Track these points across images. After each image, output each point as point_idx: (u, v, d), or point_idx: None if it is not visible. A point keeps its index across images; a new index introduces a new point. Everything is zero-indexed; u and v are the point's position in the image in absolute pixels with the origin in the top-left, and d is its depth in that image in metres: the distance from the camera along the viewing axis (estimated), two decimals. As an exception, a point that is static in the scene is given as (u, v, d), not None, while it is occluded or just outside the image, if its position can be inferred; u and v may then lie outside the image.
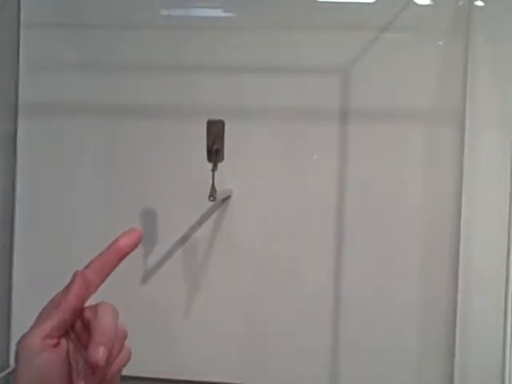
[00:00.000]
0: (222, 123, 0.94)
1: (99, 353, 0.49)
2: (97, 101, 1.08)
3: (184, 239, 1.08)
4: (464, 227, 0.96)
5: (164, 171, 1.07)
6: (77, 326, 0.54)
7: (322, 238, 1.04)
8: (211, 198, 0.90)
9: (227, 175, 0.98)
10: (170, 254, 1.08)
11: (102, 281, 0.56)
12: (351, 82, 1.01)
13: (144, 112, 1.07)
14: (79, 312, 0.54)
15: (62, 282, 0.58)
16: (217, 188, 0.91)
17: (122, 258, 0.57)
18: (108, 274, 0.57)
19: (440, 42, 0.96)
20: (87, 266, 0.56)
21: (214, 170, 0.91)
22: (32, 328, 0.53)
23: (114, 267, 0.57)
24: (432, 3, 0.98)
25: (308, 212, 1.05)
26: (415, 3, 0.97)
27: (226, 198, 1.04)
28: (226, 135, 0.93)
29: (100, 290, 0.59)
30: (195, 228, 1.07)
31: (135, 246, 0.58)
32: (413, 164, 1.01)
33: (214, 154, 0.92)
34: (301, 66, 1.03)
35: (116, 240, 0.57)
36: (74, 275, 0.55)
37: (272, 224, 1.05)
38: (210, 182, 0.91)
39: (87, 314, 0.54)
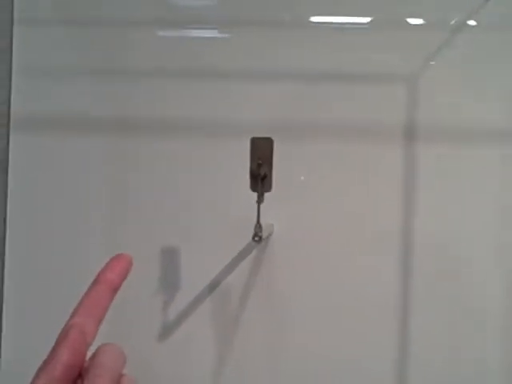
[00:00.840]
0: (270, 142, 0.80)
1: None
2: (105, 113, 0.96)
3: (213, 286, 0.96)
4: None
5: (190, 201, 0.95)
6: None
7: (384, 284, 0.93)
8: (256, 239, 0.77)
9: (269, 206, 0.83)
10: (195, 303, 0.96)
11: (98, 326, 0.50)
12: (419, 92, 0.90)
13: (163, 127, 0.95)
14: (79, 369, 0.47)
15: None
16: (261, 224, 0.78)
17: (113, 292, 0.51)
18: (102, 317, 0.51)
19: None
20: (76, 313, 0.49)
21: (259, 201, 0.79)
22: None
23: (108, 306, 0.51)
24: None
25: (368, 253, 0.93)
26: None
27: (268, 236, 0.91)
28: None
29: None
30: (226, 272, 0.95)
31: (125, 274, 0.53)
32: (491, 190, 0.91)
33: (260, 181, 0.79)
34: (360, 73, 0.92)
35: (102, 271, 0.52)
36: (66, 329, 0.48)
37: (323, 268, 0.94)
38: (253, 217, 0.79)
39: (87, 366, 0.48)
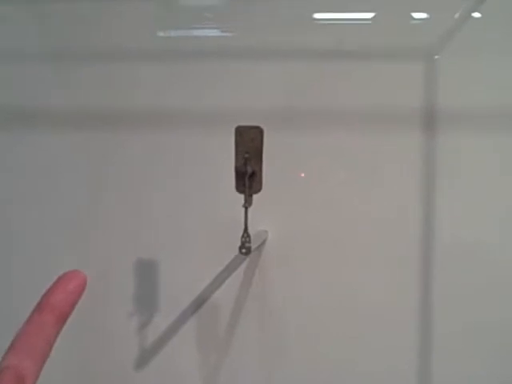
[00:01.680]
0: (259, 132, 0.71)
1: None
2: (72, 103, 0.90)
3: (198, 303, 0.89)
4: None
5: (170, 204, 0.88)
6: None
7: (400, 301, 0.85)
8: (243, 251, 0.69)
9: (261, 209, 0.76)
10: (177, 324, 0.89)
11: (40, 368, 0.39)
12: (439, 72, 0.82)
13: (138, 117, 0.89)
14: None
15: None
16: (250, 232, 0.71)
17: (60, 322, 0.40)
18: (46, 355, 0.40)
19: None
20: (11, 350, 0.39)
21: (247, 204, 0.70)
22: None
23: (53, 340, 0.40)
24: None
25: (380, 264, 0.85)
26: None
27: (260, 245, 0.83)
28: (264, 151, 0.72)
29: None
30: (214, 287, 0.87)
31: (77, 298, 0.42)
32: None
33: (248, 179, 0.70)
34: (369, 52, 0.84)
35: (45, 295, 0.41)
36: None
37: (325, 281, 0.87)
38: (240, 223, 0.70)
39: None
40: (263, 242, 0.86)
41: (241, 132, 0.70)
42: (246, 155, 0.70)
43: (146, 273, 0.89)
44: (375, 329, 0.86)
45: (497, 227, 0.83)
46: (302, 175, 0.85)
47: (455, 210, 0.83)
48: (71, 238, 0.91)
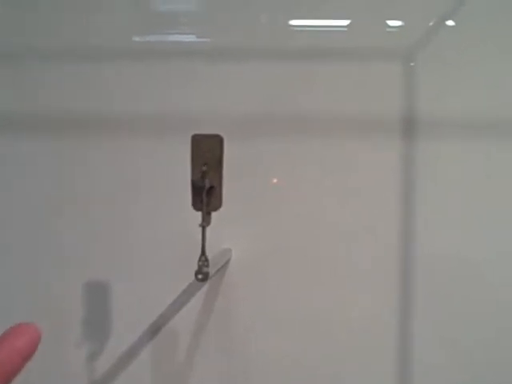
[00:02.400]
0: (218, 141, 0.66)
1: None
2: (29, 109, 0.88)
3: (154, 330, 0.85)
4: None
5: (123, 221, 0.86)
6: None
7: (381, 325, 0.83)
8: (199, 277, 0.65)
9: (225, 226, 0.76)
10: (131, 354, 0.85)
11: None
12: (417, 75, 0.82)
13: (83, 122, 0.86)
14: None
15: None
16: (208, 250, 0.66)
17: (23, 361, 0.35)
18: None
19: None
20: None
21: (204, 224, 0.65)
22: None
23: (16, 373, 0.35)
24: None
25: (358, 282, 0.84)
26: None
27: (221, 267, 0.79)
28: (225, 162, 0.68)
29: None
30: (172, 312, 0.84)
31: (26, 358, 0.36)
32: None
33: (206, 195, 0.64)
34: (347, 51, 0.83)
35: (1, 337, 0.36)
36: None
37: (296, 303, 0.84)
38: (198, 243, 0.66)
39: None
40: (226, 263, 0.81)
41: (198, 141, 0.65)
42: (204, 168, 0.65)
43: (98, 296, 0.86)
44: (352, 351, 0.85)
45: (478, 235, 0.83)
46: (275, 181, 0.84)
47: (436, 220, 0.83)
48: (16, 256, 0.89)
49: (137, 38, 0.88)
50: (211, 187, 0.65)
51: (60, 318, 0.85)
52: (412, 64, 0.82)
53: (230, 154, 0.70)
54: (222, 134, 0.70)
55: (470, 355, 0.83)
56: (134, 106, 0.86)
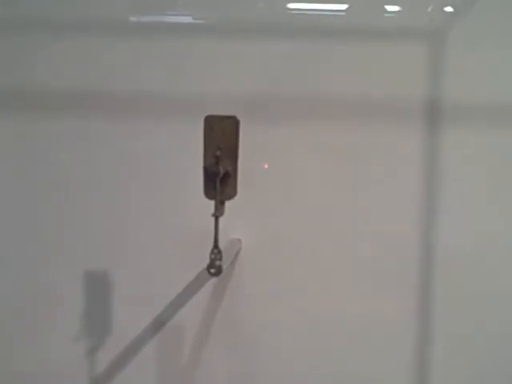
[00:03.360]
0: (234, 123, 0.64)
1: None
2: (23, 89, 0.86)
3: (157, 325, 0.85)
4: None
5: (126, 208, 0.85)
6: None
7: (395, 324, 0.83)
8: (212, 271, 0.61)
9: (236, 214, 0.71)
10: (133, 350, 0.85)
11: None
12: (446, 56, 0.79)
13: (90, 102, 0.84)
14: None
15: None
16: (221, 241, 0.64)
17: None
18: None
19: None
20: None
21: (218, 214, 0.62)
22: None
23: None
24: None
25: (373, 278, 0.82)
26: None
27: (232, 260, 0.79)
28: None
29: None
30: (177, 306, 0.83)
31: None
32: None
33: (220, 183, 0.60)
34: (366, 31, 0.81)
35: None
36: None
37: (309, 297, 0.84)
38: (209, 231, 0.63)
39: None
40: (237, 252, 0.79)
41: (211, 123, 0.63)
42: (218, 152, 0.62)
43: (97, 288, 0.86)
44: (364, 348, 0.84)
45: (503, 228, 0.82)
46: (266, 166, 0.83)
47: (461, 212, 0.82)
48: (15, 246, 0.87)
49: (133, 18, 0.86)
50: (225, 174, 0.62)
51: (60, 312, 0.85)
52: (438, 47, 0.80)
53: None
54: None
55: (489, 354, 0.84)
56: (135, 87, 0.85)
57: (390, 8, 0.84)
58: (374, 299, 0.85)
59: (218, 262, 0.62)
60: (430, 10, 0.84)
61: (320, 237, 0.83)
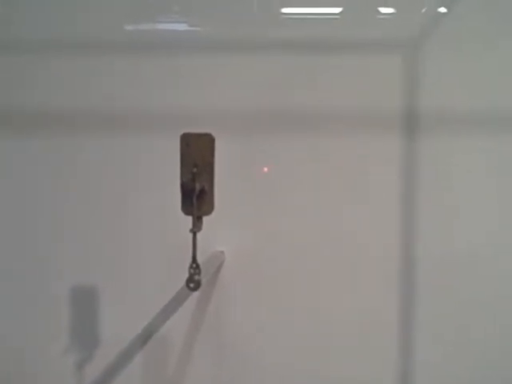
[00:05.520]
0: (209, 140, 0.64)
1: None
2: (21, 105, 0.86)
3: (144, 338, 0.84)
4: None
5: (108, 224, 0.84)
6: None
7: (382, 329, 0.82)
8: (191, 285, 0.62)
9: (217, 228, 0.73)
10: (120, 362, 0.84)
11: None
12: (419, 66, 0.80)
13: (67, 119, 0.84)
14: None
15: None
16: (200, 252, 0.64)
17: None
18: None
19: None
20: None
21: (195, 229, 0.62)
22: None
23: None
24: None
25: (358, 283, 0.83)
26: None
27: (213, 273, 0.80)
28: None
29: None
30: (162, 319, 0.82)
31: None
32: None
33: (196, 199, 0.61)
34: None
35: None
36: None
37: (294, 307, 0.83)
38: (188, 249, 0.63)
39: None
40: (219, 266, 0.79)
41: (187, 140, 0.63)
42: (194, 169, 0.62)
43: (84, 302, 0.85)
44: (351, 351, 0.83)
45: (481, 231, 0.82)
46: (266, 170, 0.83)
47: (438, 217, 0.82)
48: (3, 255, 0.87)
49: (128, 27, 0.86)
50: (202, 190, 0.62)
51: (47, 326, 0.84)
52: (414, 55, 0.80)
53: (224, 152, 0.68)
54: (215, 128, 0.68)
55: (472, 353, 0.83)
56: (120, 101, 0.85)
57: (383, 10, 0.82)
58: (362, 302, 0.83)
59: (196, 277, 0.62)
60: (424, 10, 0.82)
61: (304, 246, 0.82)
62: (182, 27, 0.86)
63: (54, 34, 0.86)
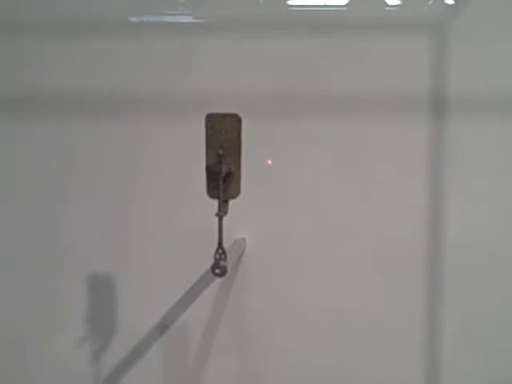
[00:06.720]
0: (236, 121, 0.62)
1: None
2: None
3: (163, 327, 0.84)
4: None
5: (128, 209, 0.83)
6: None
7: (401, 319, 0.81)
8: (217, 271, 0.61)
9: (240, 212, 0.69)
10: (138, 352, 0.84)
11: None
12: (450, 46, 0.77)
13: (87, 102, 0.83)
14: None
15: None
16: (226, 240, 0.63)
17: None
18: None
19: None
20: None
21: (221, 213, 0.61)
22: None
23: None
24: None
25: (379, 274, 0.80)
26: None
27: (237, 260, 0.78)
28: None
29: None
30: (182, 307, 0.81)
31: None
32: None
33: (223, 181, 0.59)
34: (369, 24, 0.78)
35: None
36: None
37: (315, 295, 0.82)
38: (213, 231, 0.61)
39: None
40: (241, 252, 0.78)
41: (213, 121, 0.62)
42: (221, 151, 0.60)
43: (102, 290, 0.84)
44: (372, 345, 0.82)
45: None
46: (270, 162, 0.82)
47: (466, 207, 0.80)
48: (17, 248, 0.86)
49: (133, 19, 0.84)
50: (229, 173, 0.61)
51: (64, 314, 0.84)
52: (442, 38, 0.78)
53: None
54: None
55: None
56: (136, 87, 0.84)
57: (390, 1, 0.80)
58: (382, 298, 0.83)
59: (222, 263, 0.61)
60: (430, 2, 0.79)
61: (325, 235, 0.81)
62: (187, 19, 0.86)
63: (58, 20, 0.84)
